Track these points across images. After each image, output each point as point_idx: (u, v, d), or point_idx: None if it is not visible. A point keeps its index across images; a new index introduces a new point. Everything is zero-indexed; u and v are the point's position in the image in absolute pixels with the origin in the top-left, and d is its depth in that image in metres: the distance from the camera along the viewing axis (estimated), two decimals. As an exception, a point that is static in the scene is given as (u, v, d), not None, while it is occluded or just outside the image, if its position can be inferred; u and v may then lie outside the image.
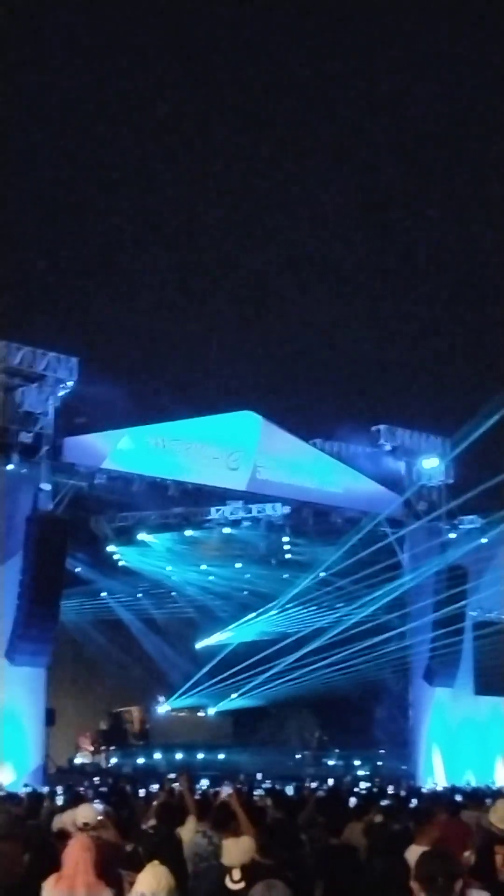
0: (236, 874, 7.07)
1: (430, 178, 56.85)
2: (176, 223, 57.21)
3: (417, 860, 4.88)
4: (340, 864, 9.22)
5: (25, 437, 27.69)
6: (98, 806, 10.59)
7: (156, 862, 7.66)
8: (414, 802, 16.84)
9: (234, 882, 7.04)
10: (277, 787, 22.08)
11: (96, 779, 28.15)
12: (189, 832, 10.03)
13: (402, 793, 22.96)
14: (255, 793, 16.75)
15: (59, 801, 16.29)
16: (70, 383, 28.50)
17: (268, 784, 23.62)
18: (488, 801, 16.53)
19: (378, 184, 58.87)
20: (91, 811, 9.47)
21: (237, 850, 7.98)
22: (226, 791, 12.73)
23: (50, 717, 28.79)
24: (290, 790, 21.02)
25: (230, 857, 7.73)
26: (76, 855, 7.02)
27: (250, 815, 9.58)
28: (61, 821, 9.88)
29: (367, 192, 58.39)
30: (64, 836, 9.36)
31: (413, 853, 8.69)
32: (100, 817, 9.33)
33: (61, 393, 28.48)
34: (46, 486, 27.83)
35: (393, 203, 58.42)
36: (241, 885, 6.64)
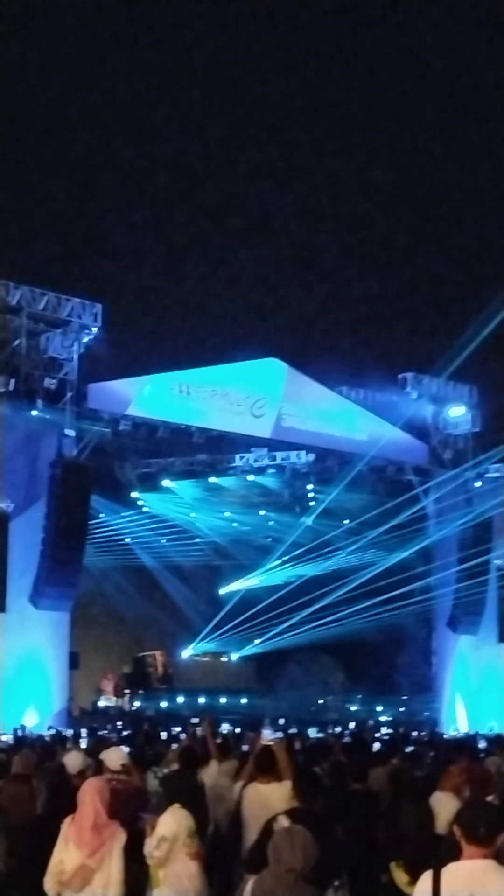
0: (284, 820, 7.06)
1: (460, 125, 55.87)
2: (204, 170, 56.69)
3: (463, 807, 4.94)
4: (362, 810, 9.22)
5: (50, 384, 27.65)
6: (124, 749, 10.61)
7: (177, 805, 7.66)
8: (433, 748, 16.86)
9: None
10: (300, 731, 22.23)
11: (119, 722, 28.41)
12: (211, 776, 10.05)
13: (426, 738, 23.09)
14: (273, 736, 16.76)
15: (83, 744, 16.41)
16: (94, 329, 28.38)
17: (293, 729, 23.71)
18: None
19: (408, 132, 58.07)
20: (121, 755, 9.51)
21: (281, 795, 7.98)
22: (267, 735, 12.67)
23: (74, 661, 29.01)
24: (313, 734, 21.17)
25: (275, 802, 7.72)
26: (86, 796, 7.08)
27: (291, 760, 9.55)
28: (73, 763, 9.90)
29: (395, 144, 57.59)
30: (80, 777, 9.41)
31: (437, 799, 8.69)
32: (124, 762, 9.35)
33: (85, 339, 28.37)
34: (71, 433, 27.83)
35: (423, 153, 57.53)
36: None
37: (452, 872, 4.73)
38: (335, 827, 7.81)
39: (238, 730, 19.85)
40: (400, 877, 7.15)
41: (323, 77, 57.92)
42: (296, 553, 34.87)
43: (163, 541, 36.92)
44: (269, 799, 8.09)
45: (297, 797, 7.54)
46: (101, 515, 32.57)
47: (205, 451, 32.22)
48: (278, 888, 5.11)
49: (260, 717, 28.07)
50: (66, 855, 6.94)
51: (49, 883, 6.95)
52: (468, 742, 20.90)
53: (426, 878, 4.76)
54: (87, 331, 28.33)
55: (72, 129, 53.65)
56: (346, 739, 17.47)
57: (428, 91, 58.69)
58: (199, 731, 13.89)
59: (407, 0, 58.77)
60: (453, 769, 9.21)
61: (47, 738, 18.90)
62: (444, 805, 8.32)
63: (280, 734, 13.71)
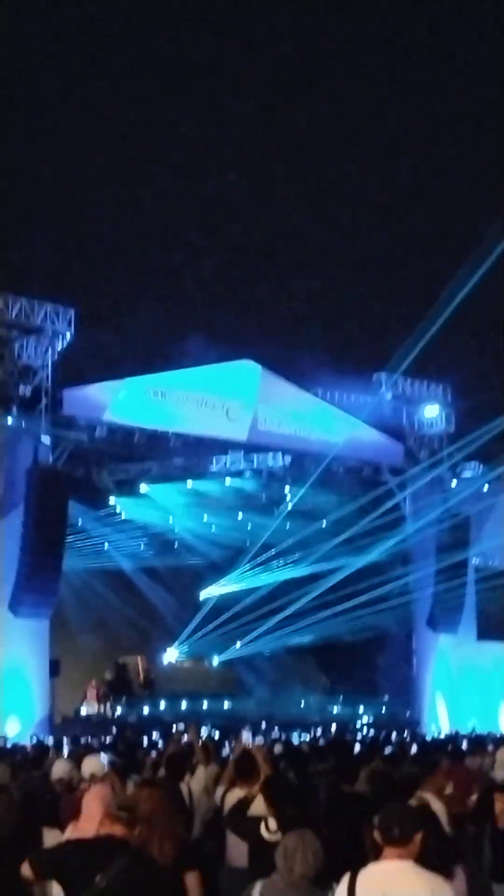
0: (272, 824, 7.07)
1: (441, 118, 56.04)
2: (173, 172, 56.63)
3: (381, 810, 5.01)
4: (352, 812, 9.23)
5: (24, 391, 27.60)
6: (104, 757, 10.60)
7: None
8: (415, 749, 16.92)
9: (270, 832, 7.03)
10: (283, 735, 22.27)
11: (108, 729, 28.31)
12: (199, 782, 10.03)
13: (406, 738, 23.17)
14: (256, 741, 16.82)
15: (65, 752, 16.37)
16: (68, 335, 28.32)
17: (276, 733, 23.75)
18: (490, 747, 16.67)
19: (384, 127, 58.23)
20: (97, 763, 9.50)
21: (261, 800, 7.95)
22: (246, 738, 12.68)
23: (54, 669, 28.94)
24: (295, 738, 21.21)
25: (255, 807, 7.71)
26: (91, 803, 7.05)
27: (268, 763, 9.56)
28: (64, 771, 9.89)
29: (371, 141, 57.77)
30: (64, 786, 9.39)
31: (418, 801, 8.70)
32: (105, 769, 9.35)
33: (59, 345, 28.31)
34: (46, 440, 27.77)
35: (399, 145, 57.73)
36: (279, 834, 6.62)
37: (368, 874, 4.82)
38: (328, 829, 7.83)
39: (217, 735, 19.83)
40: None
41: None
42: (274, 555, 34.89)
43: (141, 546, 36.88)
44: (257, 803, 8.08)
45: (266, 803, 7.51)
46: (78, 522, 32.50)
47: (181, 456, 32.20)
48: (290, 893, 5.15)
49: (242, 720, 28.08)
50: None
51: (55, 889, 6.92)
52: (449, 742, 20.98)
53: (344, 880, 4.82)
54: (60, 336, 28.26)
55: (43, 135, 53.56)
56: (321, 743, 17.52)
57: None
58: (184, 737, 13.87)
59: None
60: (439, 771, 9.25)
61: (28, 748, 18.83)
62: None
63: (260, 739, 13.70)
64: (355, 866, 4.92)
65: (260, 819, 7.30)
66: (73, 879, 5.34)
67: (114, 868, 5.20)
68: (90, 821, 6.83)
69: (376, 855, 4.99)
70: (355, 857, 8.24)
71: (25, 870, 5.73)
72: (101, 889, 5.16)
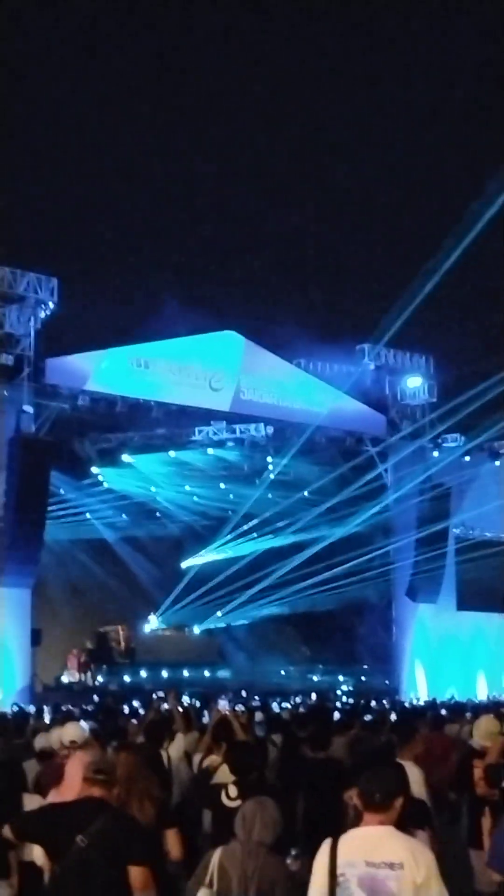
0: (233, 791, 7.09)
1: (430, 98, 55.78)
2: (158, 143, 56.26)
3: (362, 776, 5.01)
4: (323, 778, 9.32)
5: (7, 359, 27.50)
6: (84, 724, 10.65)
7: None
8: (394, 717, 17.06)
9: (230, 799, 7.06)
10: (263, 702, 22.38)
11: (91, 698, 28.41)
12: (177, 749, 10.11)
13: (386, 705, 23.34)
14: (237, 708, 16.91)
15: (47, 719, 16.43)
16: (51, 304, 28.21)
17: (258, 701, 23.85)
18: (468, 714, 16.84)
19: (372, 100, 57.93)
20: (77, 730, 9.53)
21: None
22: (223, 706, 12.74)
23: (36, 637, 29.00)
24: (276, 707, 21.32)
25: (226, 774, 7.75)
26: (72, 769, 7.11)
27: (245, 730, 9.65)
28: (46, 740, 9.94)
29: (358, 111, 57.48)
30: (47, 755, 9.44)
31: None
32: (86, 735, 9.39)
33: (42, 314, 28.20)
34: (29, 409, 27.69)
35: (382, 122, 57.43)
36: (238, 801, 6.66)
37: (349, 839, 4.83)
38: (291, 795, 7.89)
39: (197, 704, 19.93)
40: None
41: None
42: (256, 525, 34.97)
43: (123, 515, 36.88)
44: (224, 770, 8.13)
45: (230, 770, 7.56)
46: (60, 491, 32.47)
47: (164, 426, 32.19)
48: (249, 860, 5.19)
49: (223, 689, 28.21)
50: None
51: (36, 854, 6.99)
52: (428, 710, 21.16)
53: (325, 846, 4.83)
54: (43, 305, 28.15)
55: (25, 107, 53.03)
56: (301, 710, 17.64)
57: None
58: (164, 705, 13.93)
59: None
60: (417, 738, 9.34)
61: (9, 716, 18.87)
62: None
63: (241, 706, 13.77)
64: (336, 832, 4.95)
65: (222, 786, 7.35)
66: (55, 841, 5.38)
67: (94, 827, 5.23)
68: (72, 787, 6.91)
69: (356, 819, 5.02)
70: (331, 823, 8.38)
71: (6, 832, 5.79)
72: (82, 848, 5.20)
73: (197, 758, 9.22)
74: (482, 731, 9.35)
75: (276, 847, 5.31)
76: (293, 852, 5.48)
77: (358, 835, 4.85)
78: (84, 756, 7.05)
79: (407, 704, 27.04)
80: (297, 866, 5.38)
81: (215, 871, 5.28)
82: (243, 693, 28.35)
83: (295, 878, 5.27)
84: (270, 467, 34.53)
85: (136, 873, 5.24)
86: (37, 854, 6.11)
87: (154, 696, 22.51)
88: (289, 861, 5.38)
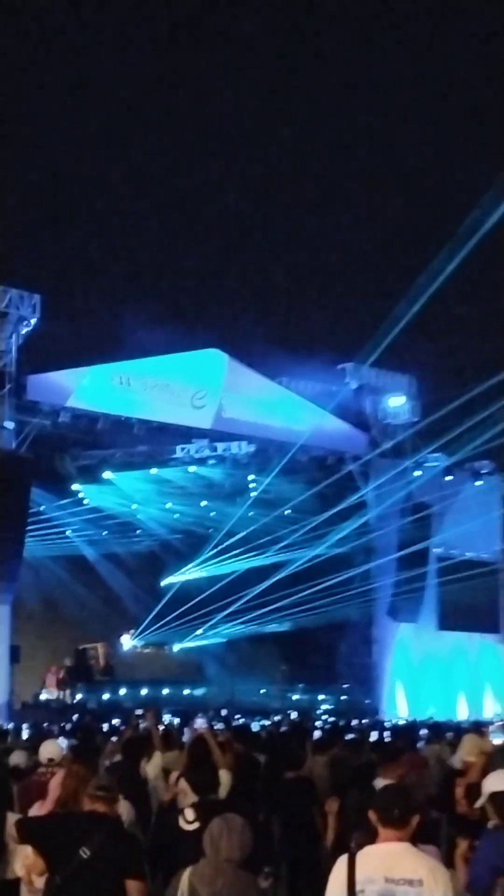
0: (189, 814, 7.02)
1: (425, 119, 56.18)
2: (141, 162, 56.44)
3: (378, 792, 4.99)
4: (297, 798, 9.28)
5: (-12, 375, 27.45)
6: (62, 742, 10.58)
7: (119, 797, 7.65)
8: (374, 736, 17.03)
9: (188, 822, 6.99)
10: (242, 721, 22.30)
11: (70, 716, 28.28)
12: (155, 767, 10.06)
13: (366, 723, 23.28)
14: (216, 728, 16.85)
15: (24, 736, 16.34)
16: (33, 320, 28.20)
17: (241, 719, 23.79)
18: (449, 734, 16.82)
19: (361, 116, 58.27)
20: (55, 747, 9.49)
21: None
22: (199, 724, 12.69)
23: (15, 655, 28.86)
24: (255, 726, 21.24)
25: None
26: (53, 785, 7.14)
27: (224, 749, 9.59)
28: (16, 757, 9.88)
29: (346, 132, 57.82)
30: (21, 772, 9.38)
31: (380, 786, 8.78)
32: (63, 753, 9.34)
33: (24, 330, 28.19)
34: (10, 425, 27.68)
35: (373, 139, 57.84)
36: (196, 824, 6.60)
37: (367, 855, 4.81)
38: (262, 815, 7.82)
39: (176, 722, 19.87)
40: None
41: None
42: (237, 543, 34.93)
43: (104, 532, 36.80)
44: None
45: (191, 790, 7.49)
46: (41, 508, 32.38)
47: (145, 443, 32.16)
48: (218, 878, 5.16)
49: (203, 707, 28.12)
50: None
51: (18, 867, 6.99)
52: (407, 730, 21.11)
53: (342, 861, 4.82)
54: (25, 322, 28.15)
55: (11, 123, 53.16)
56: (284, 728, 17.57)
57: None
58: (142, 723, 13.86)
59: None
60: (403, 758, 9.33)
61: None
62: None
63: (203, 722, 13.69)
64: (312, 851, 4.92)
65: (181, 811, 7.28)
66: (57, 848, 5.52)
67: (96, 840, 5.41)
68: (53, 803, 6.89)
69: (367, 836, 4.95)
70: (303, 840, 8.32)
71: (11, 829, 5.88)
72: (84, 860, 5.36)
73: (173, 776, 9.16)
74: (467, 748, 9.36)
75: (248, 865, 5.28)
76: (266, 870, 5.45)
77: (376, 851, 4.84)
78: (75, 772, 7.10)
79: (387, 724, 26.98)
80: (269, 884, 5.36)
81: (185, 890, 5.26)
82: (223, 712, 28.25)
83: (265, 896, 5.24)
84: (252, 485, 34.53)
85: (133, 887, 5.39)
86: (18, 866, 6.13)
87: (134, 713, 22.43)
88: (260, 879, 5.37)
